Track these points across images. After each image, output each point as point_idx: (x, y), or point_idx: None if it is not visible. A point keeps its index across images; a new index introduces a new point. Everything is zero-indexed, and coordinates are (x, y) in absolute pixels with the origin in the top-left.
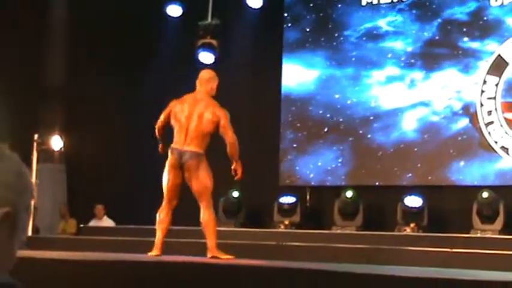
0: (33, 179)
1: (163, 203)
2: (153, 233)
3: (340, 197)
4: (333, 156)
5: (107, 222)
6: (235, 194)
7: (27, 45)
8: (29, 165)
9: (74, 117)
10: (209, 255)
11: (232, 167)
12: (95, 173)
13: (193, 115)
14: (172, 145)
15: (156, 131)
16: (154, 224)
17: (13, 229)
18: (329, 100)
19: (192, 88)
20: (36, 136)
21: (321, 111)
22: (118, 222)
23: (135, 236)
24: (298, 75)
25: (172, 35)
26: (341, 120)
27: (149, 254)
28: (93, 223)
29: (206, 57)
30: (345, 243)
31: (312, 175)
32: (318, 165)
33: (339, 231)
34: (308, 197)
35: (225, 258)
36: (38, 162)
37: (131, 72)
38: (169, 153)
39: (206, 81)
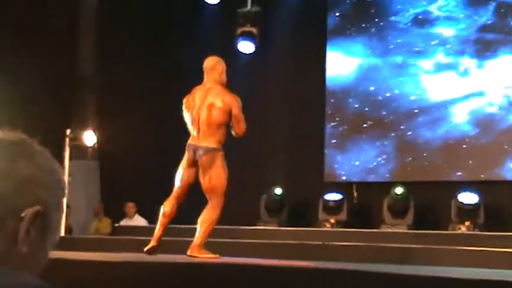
0: (65, 176)
1: (171, 197)
2: (189, 232)
3: (390, 193)
4: (377, 151)
5: (139, 220)
6: (278, 190)
7: (58, 37)
8: (61, 162)
9: (108, 111)
10: (189, 252)
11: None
12: (129, 170)
13: (203, 107)
14: (188, 141)
15: None
16: (191, 223)
17: (44, 229)
18: (370, 91)
19: (233, 80)
20: (68, 131)
21: (361, 104)
22: (151, 221)
23: (170, 236)
24: (338, 64)
25: (210, 24)
26: (384, 113)
27: (145, 249)
28: (124, 222)
29: (246, 46)
30: (395, 242)
31: (357, 171)
32: (362, 161)
33: (388, 230)
34: (355, 193)
35: (207, 257)
36: (70, 158)
37: (167, 63)
38: (186, 149)
39: (211, 70)
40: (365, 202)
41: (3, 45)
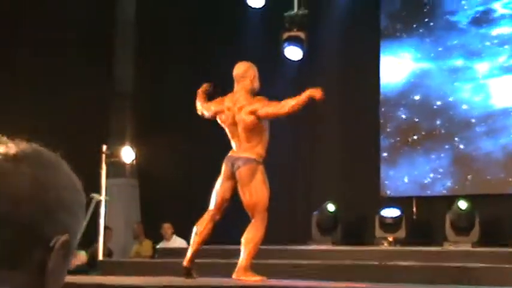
0: (103, 196)
1: (205, 214)
2: (232, 253)
3: (452, 208)
4: (433, 163)
5: (178, 242)
6: (331, 207)
7: (97, 47)
8: (98, 180)
9: (146, 125)
10: (234, 276)
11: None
12: (167, 189)
13: (238, 119)
14: (229, 153)
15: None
16: (235, 243)
17: (67, 257)
18: (423, 99)
19: (280, 89)
20: (104, 147)
21: (414, 113)
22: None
23: (212, 258)
24: (389, 69)
25: (255, 29)
26: (438, 123)
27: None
28: (162, 244)
29: (293, 52)
30: (459, 261)
31: (415, 183)
32: (421, 172)
33: (452, 248)
34: (414, 208)
35: (254, 280)
36: (107, 177)
37: (209, 73)
38: (224, 162)
39: (241, 77)
40: (425, 218)
41: (42, 61)
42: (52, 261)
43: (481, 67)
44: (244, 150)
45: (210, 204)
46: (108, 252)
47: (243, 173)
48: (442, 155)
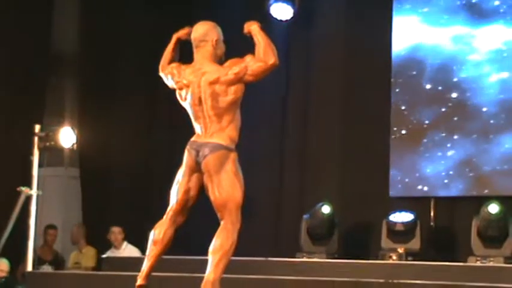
0: (34, 190)
1: (165, 217)
2: (198, 265)
3: (481, 213)
4: (462, 156)
5: (129, 250)
6: (326, 209)
7: (30, 4)
8: (28, 169)
9: (91, 102)
10: None
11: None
12: (121, 182)
13: (204, 97)
14: (192, 138)
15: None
16: (197, 253)
17: None
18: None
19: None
20: (37, 128)
21: (440, 88)
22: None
23: (173, 270)
24: (408, 34)
25: None
26: (468, 103)
27: None
28: (110, 253)
29: (281, 10)
30: (488, 280)
31: (436, 183)
32: (445, 169)
33: (478, 264)
34: (432, 213)
35: None
36: (40, 165)
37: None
38: (186, 149)
39: (200, 41)
40: (446, 225)
41: None
42: None
43: None
44: (211, 134)
45: (170, 202)
46: (54, 258)
47: (210, 163)
48: (468, 145)
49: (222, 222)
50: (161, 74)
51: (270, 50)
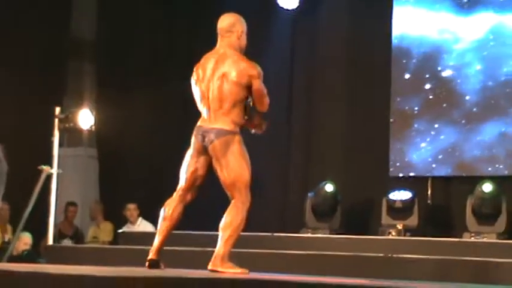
0: (55, 169)
1: (174, 195)
2: (208, 240)
3: (475, 191)
4: (455, 137)
5: (144, 226)
6: (329, 187)
7: None
8: (49, 149)
9: (109, 83)
10: (210, 266)
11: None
12: (133, 160)
13: (213, 80)
14: (198, 123)
15: None
16: (211, 229)
17: None
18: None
19: (270, 48)
20: (57, 110)
21: (444, 74)
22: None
23: (188, 246)
24: (414, 19)
25: None
26: (469, 87)
27: (146, 264)
28: (126, 228)
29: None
30: (481, 255)
31: (433, 163)
32: (441, 149)
33: (472, 240)
34: (429, 191)
35: (232, 272)
36: (60, 145)
37: (185, 25)
38: (193, 134)
39: (227, 31)
40: (442, 203)
41: None
42: None
43: None
44: (216, 119)
45: (179, 181)
46: (74, 233)
47: (216, 148)
48: (466, 127)
49: (232, 201)
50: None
51: (264, 101)
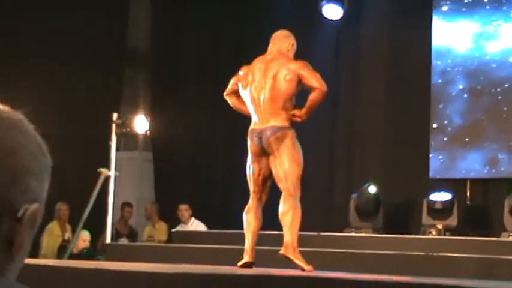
0: (112, 171)
1: (250, 201)
2: (262, 238)
3: None
4: (500, 140)
5: (196, 225)
6: (372, 189)
7: (108, 3)
8: (107, 152)
9: (163, 91)
10: (282, 251)
11: (295, 111)
12: (186, 164)
13: (265, 81)
14: (251, 127)
15: (230, 103)
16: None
17: (34, 226)
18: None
19: (316, 51)
20: (115, 116)
21: (474, 82)
22: (211, 226)
23: (236, 244)
24: (445, 33)
25: None
26: (500, 90)
27: (239, 264)
28: (179, 228)
29: (332, 10)
30: None
31: (471, 164)
32: (480, 153)
33: (511, 239)
34: (468, 192)
35: (300, 264)
36: (117, 149)
37: (237, 35)
38: (248, 138)
39: (280, 40)
40: (481, 203)
41: (44, 13)
42: (21, 233)
43: None
44: (268, 118)
45: (250, 187)
46: (130, 232)
47: (272, 143)
48: (505, 131)
49: (283, 193)
50: (226, 97)
51: (319, 82)
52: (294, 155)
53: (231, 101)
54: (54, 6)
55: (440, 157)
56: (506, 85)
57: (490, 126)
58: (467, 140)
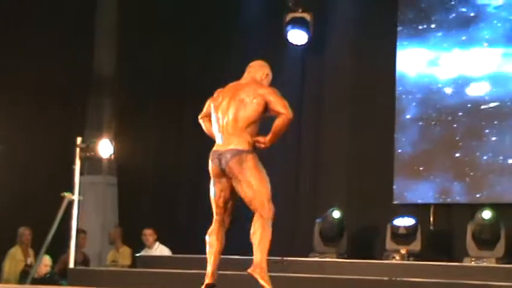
0: (76, 195)
1: (213, 223)
2: (224, 263)
3: (475, 218)
4: (462, 166)
5: (161, 250)
6: (336, 214)
7: (73, 32)
8: (71, 177)
9: (128, 116)
10: (249, 270)
11: (259, 138)
12: (150, 189)
13: (232, 104)
14: (213, 148)
15: (203, 127)
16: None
17: None
18: (464, 92)
19: (280, 76)
20: (79, 140)
21: (447, 108)
22: (175, 250)
23: (201, 268)
24: (418, 60)
25: (255, 9)
26: (463, 120)
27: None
28: (144, 252)
29: (297, 36)
30: (481, 279)
31: (435, 190)
32: (444, 178)
33: (473, 264)
34: (431, 218)
35: (264, 285)
36: (81, 173)
37: (200, 61)
38: (209, 160)
39: (255, 69)
40: (444, 229)
41: (10, 39)
42: None
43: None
44: (229, 141)
45: (213, 210)
46: (83, 259)
47: (233, 167)
48: (466, 158)
49: (256, 214)
50: (200, 120)
51: (286, 110)
52: (258, 176)
53: (204, 124)
54: (19, 28)
55: (404, 183)
56: (460, 113)
57: (443, 155)
58: (421, 168)
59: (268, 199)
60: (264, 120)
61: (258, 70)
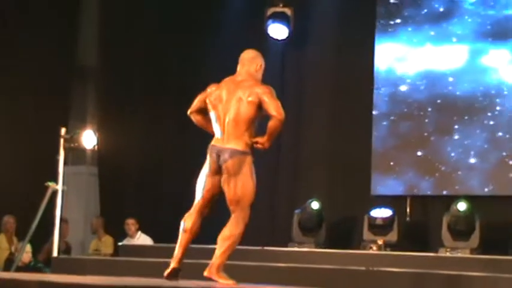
0: (60, 185)
1: (192, 209)
2: (204, 253)
3: (450, 210)
4: (435, 160)
5: (143, 239)
6: (315, 205)
7: (57, 21)
8: (55, 167)
9: (111, 108)
10: (205, 273)
11: (257, 138)
12: (133, 178)
13: (231, 102)
14: (212, 142)
15: (194, 120)
16: (205, 242)
17: None
18: (435, 88)
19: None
20: (63, 131)
21: (424, 102)
22: (157, 239)
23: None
24: (395, 55)
25: (236, 2)
26: (447, 113)
27: (165, 273)
28: (126, 242)
29: (277, 30)
30: (456, 269)
31: (412, 182)
32: (420, 170)
33: (448, 255)
34: (408, 209)
35: (225, 283)
36: (65, 163)
37: (184, 52)
38: (208, 153)
39: (249, 61)
40: (420, 220)
41: None
42: None
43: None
44: (230, 139)
45: (196, 197)
46: (65, 248)
47: (230, 167)
48: (441, 150)
49: (233, 215)
50: (190, 114)
51: (279, 111)
52: (250, 183)
53: (195, 118)
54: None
55: (382, 174)
56: (430, 109)
57: (432, 144)
58: (408, 159)
59: (250, 205)
60: (261, 119)
61: (251, 63)
